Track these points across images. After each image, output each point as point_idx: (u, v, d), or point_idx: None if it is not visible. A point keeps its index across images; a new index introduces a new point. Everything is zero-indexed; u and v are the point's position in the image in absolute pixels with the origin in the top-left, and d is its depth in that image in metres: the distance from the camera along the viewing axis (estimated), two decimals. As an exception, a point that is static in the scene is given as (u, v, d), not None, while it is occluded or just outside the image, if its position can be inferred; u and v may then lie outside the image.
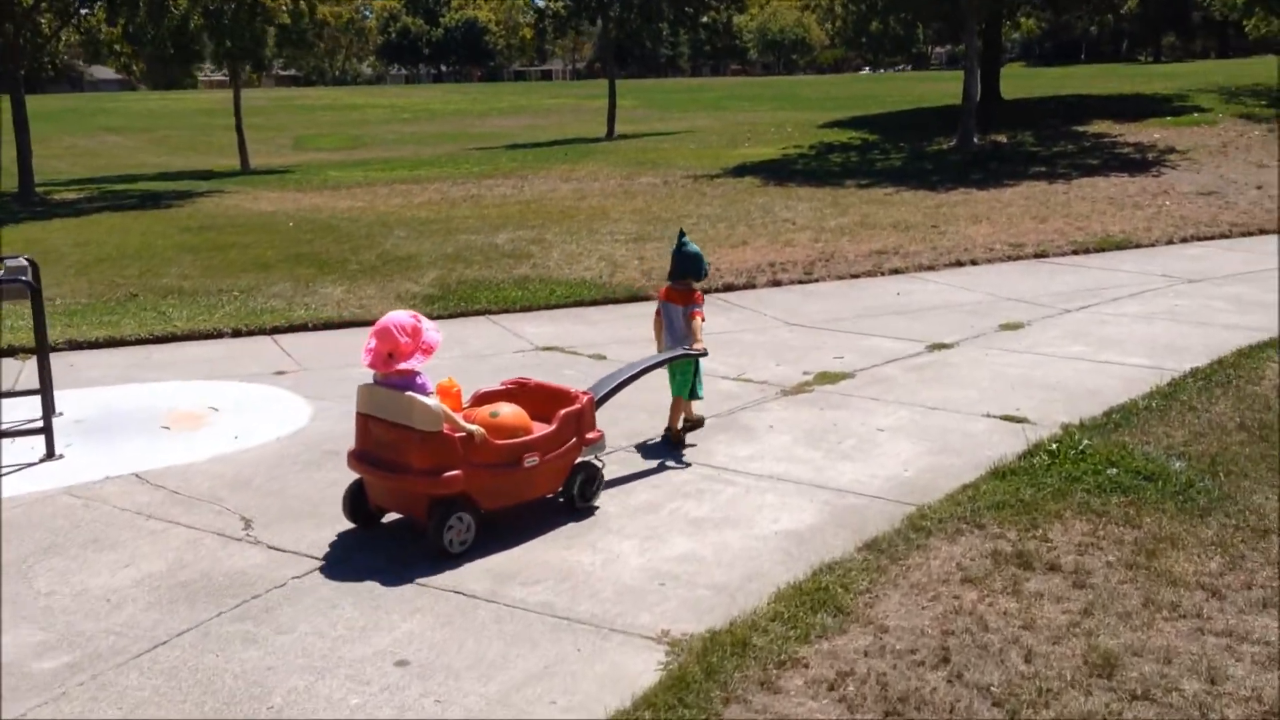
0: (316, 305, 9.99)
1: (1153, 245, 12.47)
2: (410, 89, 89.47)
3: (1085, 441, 5.77)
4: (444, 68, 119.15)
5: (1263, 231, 13.05)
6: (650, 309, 7.39)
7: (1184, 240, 12.67)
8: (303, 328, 9.37)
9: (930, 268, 11.57)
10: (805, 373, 7.72)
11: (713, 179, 20.06)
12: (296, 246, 13.33)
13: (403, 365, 4.74)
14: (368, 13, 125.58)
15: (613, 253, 12.49)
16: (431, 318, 10.07)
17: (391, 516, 5.12)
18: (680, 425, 6.22)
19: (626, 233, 13.95)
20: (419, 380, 4.81)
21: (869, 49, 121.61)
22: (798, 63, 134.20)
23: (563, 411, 5.14)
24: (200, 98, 76.25)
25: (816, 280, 11.10)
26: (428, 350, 4.76)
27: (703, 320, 6.13)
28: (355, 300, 10.17)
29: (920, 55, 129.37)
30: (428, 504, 4.72)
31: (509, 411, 5.11)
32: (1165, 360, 7.75)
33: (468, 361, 8.17)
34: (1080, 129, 24.47)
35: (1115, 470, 5.42)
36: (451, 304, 10.03)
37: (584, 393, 5.39)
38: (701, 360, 6.21)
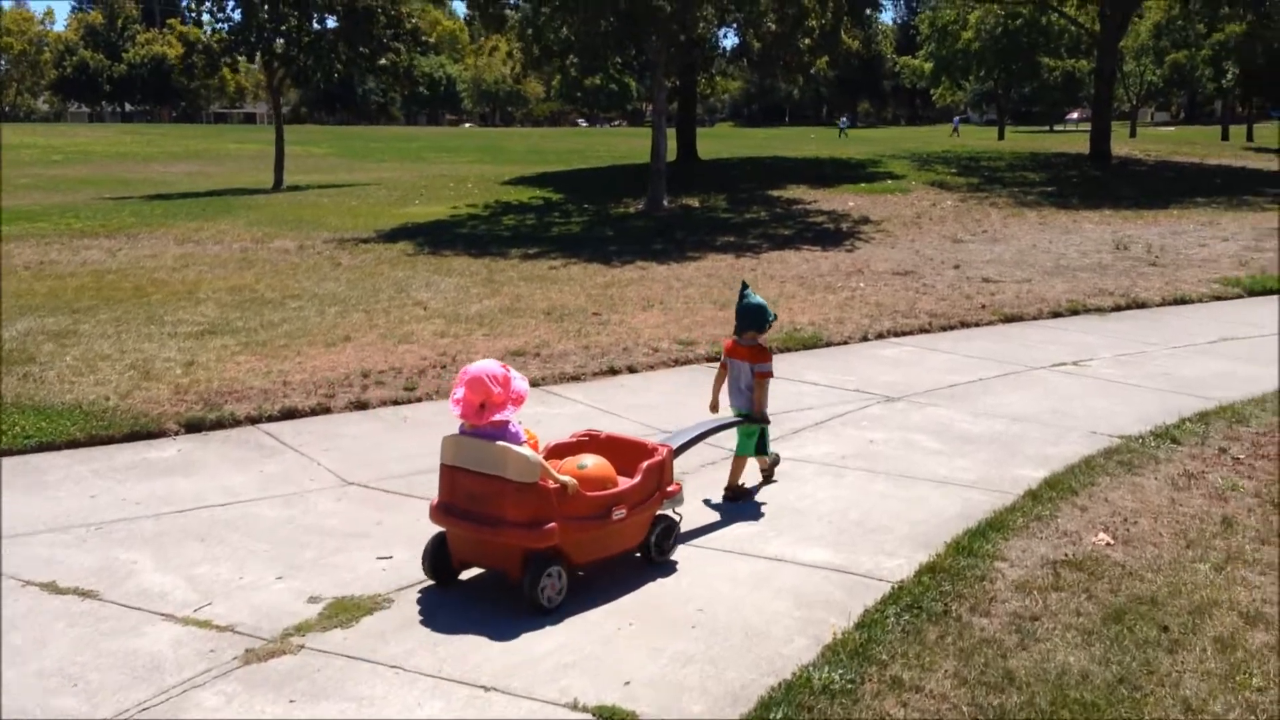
0: None
1: (845, 343, 10.36)
2: (81, 128, 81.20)
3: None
4: (129, 106, 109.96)
5: (964, 325, 11.24)
6: (160, 452, 6.89)
7: (880, 336, 10.65)
8: None
9: (576, 378, 8.94)
10: (314, 599, 4.79)
11: (360, 244, 16.97)
12: None
13: (496, 417, 4.60)
14: (43, 44, 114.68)
15: (156, 355, 9.18)
16: None
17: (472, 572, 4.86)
18: (761, 477, 6.33)
19: (199, 322, 10.65)
20: (511, 429, 4.68)
21: (584, 103, 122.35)
22: (514, 114, 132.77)
23: (646, 464, 5.08)
24: None
25: (419, 399, 8.22)
26: (518, 400, 4.67)
27: (768, 381, 6.07)
28: None
29: (637, 111, 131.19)
30: (522, 558, 4.59)
31: (595, 463, 5.03)
32: (859, 555, 5.31)
33: None
34: (775, 193, 23.04)
35: None
36: None
37: (662, 444, 5.32)
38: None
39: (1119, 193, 24.53)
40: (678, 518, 5.33)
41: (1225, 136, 56.64)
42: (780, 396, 8.35)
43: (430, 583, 4.97)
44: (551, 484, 4.64)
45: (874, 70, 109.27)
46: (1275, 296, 13.12)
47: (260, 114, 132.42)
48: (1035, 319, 11.66)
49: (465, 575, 5.02)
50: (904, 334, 10.80)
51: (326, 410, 7.85)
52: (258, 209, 22.82)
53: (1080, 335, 10.82)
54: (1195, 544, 5.35)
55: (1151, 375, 9.15)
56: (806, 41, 21.68)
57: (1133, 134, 59.90)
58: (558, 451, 5.25)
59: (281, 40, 28.62)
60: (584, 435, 5.52)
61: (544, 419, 7.74)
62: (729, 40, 28.59)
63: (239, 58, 29.37)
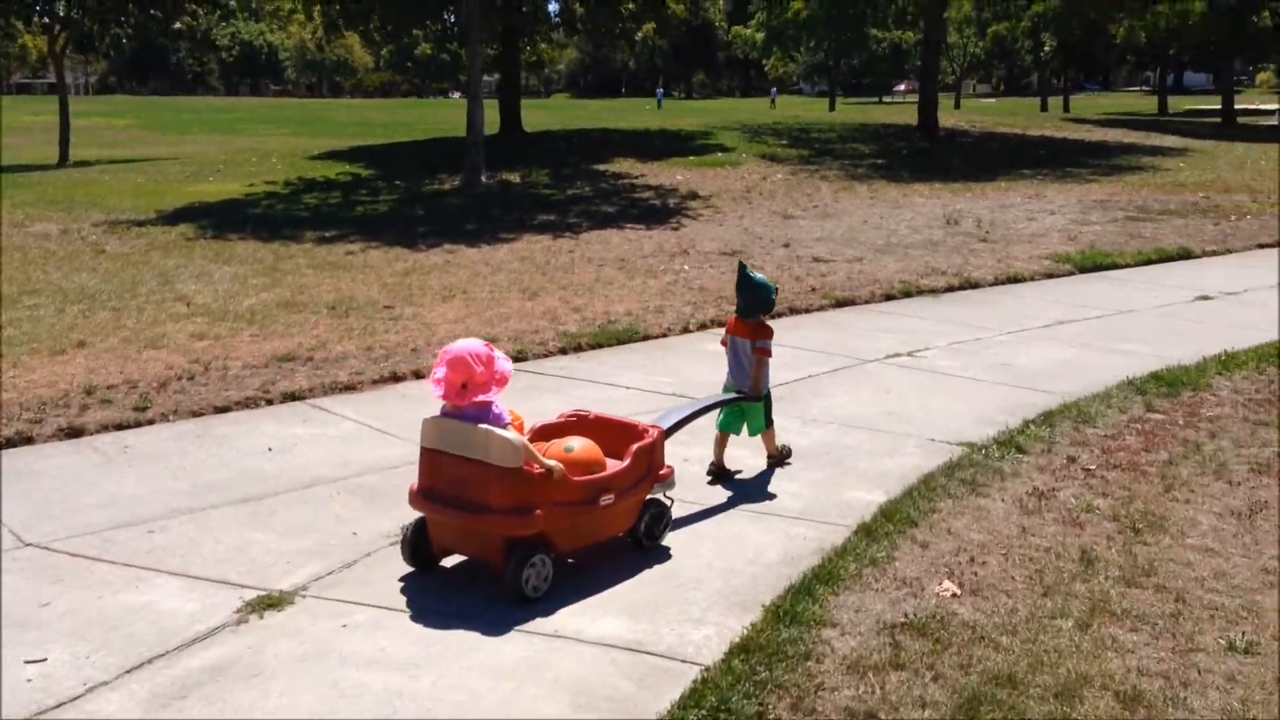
0: None
1: (663, 336, 9.37)
2: None
3: None
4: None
5: (793, 311, 10.39)
6: None
7: (703, 326, 9.69)
8: None
9: (350, 387, 7.68)
10: (-91, 740, 3.49)
11: (136, 227, 15.18)
12: None
13: (479, 398, 4.44)
14: None
15: None
16: None
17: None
18: (767, 461, 6.11)
19: (-97, 327, 8.95)
20: (495, 411, 4.52)
21: (416, 74, 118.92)
22: (343, 85, 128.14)
23: (635, 446, 4.86)
24: None
25: (150, 422, 6.84)
26: (501, 381, 4.54)
27: (769, 358, 5.96)
28: None
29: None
30: (504, 545, 4.41)
31: (582, 446, 4.83)
32: (659, 624, 4.29)
33: None
34: (601, 168, 21.98)
35: None
36: None
37: (652, 425, 5.12)
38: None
39: (947, 164, 24.35)
40: (669, 502, 5.17)
41: (1044, 108, 58.24)
42: (588, 406, 7.28)
43: (93, 693, 3.73)
44: (537, 468, 4.45)
45: (708, 41, 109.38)
46: (1109, 272, 12.74)
47: (68, 84, 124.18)
48: (867, 302, 10.90)
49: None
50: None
51: (28, 440, 6.42)
52: (29, 188, 20.55)
53: (914, 320, 10.09)
54: (1053, 590, 4.51)
55: (990, 366, 8.43)
56: (630, 6, 20.59)
57: (957, 105, 61.07)
58: (543, 433, 5.06)
59: (63, 2, 25.99)
60: (571, 416, 5.31)
61: (300, 443, 6.49)
62: (552, 4, 27.27)
63: (14, 21, 26.56)
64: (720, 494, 5.70)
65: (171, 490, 5.71)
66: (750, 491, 5.76)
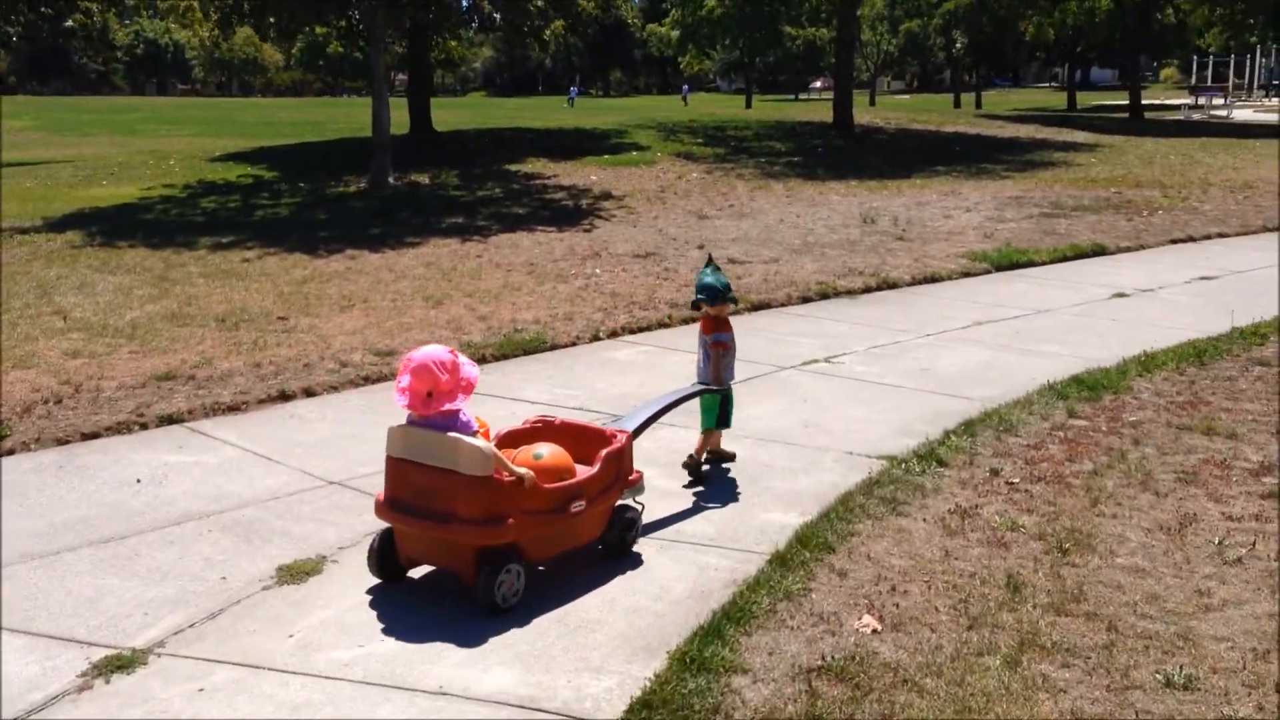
0: None
1: (572, 344, 8.97)
2: None
3: None
4: None
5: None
6: None
7: (613, 334, 9.31)
8: None
9: (235, 408, 7.16)
10: None
11: (19, 235, 14.37)
12: None
13: (446, 406, 4.34)
14: None
15: None
16: None
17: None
18: (703, 457, 5.93)
19: None
20: (462, 419, 4.42)
21: (328, 72, 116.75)
22: (253, 84, 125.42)
23: (605, 452, 4.78)
24: None
25: (9, 451, 6.27)
26: (468, 388, 4.43)
27: (724, 351, 5.93)
28: None
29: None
30: (475, 555, 4.32)
31: (551, 452, 4.75)
32: (555, 674, 3.90)
33: None
34: (513, 168, 21.48)
35: None
36: None
37: (619, 430, 5.03)
38: (733, 389, 6.12)
39: (863, 162, 24.27)
40: (640, 508, 5.07)
41: (957, 104, 58.85)
42: (490, 422, 6.86)
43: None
44: (507, 476, 4.35)
45: (624, 38, 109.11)
46: (1026, 270, 12.62)
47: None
48: (784, 305, 10.60)
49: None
50: (641, 330, 9.50)
51: None
52: (-93, 193, 19.45)
53: (832, 324, 9.82)
54: (979, 622, 4.21)
55: (909, 372, 8.17)
56: (538, 3, 20.13)
57: (872, 102, 61.52)
58: (511, 440, 4.98)
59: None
60: (538, 422, 5.25)
61: (172, 473, 5.97)
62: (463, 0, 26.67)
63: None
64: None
65: (22, 531, 5.17)
66: (658, 515, 5.38)
